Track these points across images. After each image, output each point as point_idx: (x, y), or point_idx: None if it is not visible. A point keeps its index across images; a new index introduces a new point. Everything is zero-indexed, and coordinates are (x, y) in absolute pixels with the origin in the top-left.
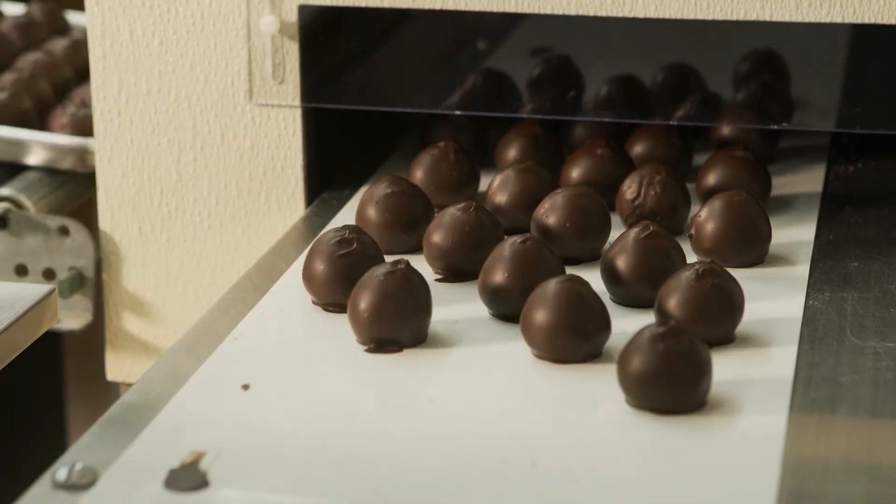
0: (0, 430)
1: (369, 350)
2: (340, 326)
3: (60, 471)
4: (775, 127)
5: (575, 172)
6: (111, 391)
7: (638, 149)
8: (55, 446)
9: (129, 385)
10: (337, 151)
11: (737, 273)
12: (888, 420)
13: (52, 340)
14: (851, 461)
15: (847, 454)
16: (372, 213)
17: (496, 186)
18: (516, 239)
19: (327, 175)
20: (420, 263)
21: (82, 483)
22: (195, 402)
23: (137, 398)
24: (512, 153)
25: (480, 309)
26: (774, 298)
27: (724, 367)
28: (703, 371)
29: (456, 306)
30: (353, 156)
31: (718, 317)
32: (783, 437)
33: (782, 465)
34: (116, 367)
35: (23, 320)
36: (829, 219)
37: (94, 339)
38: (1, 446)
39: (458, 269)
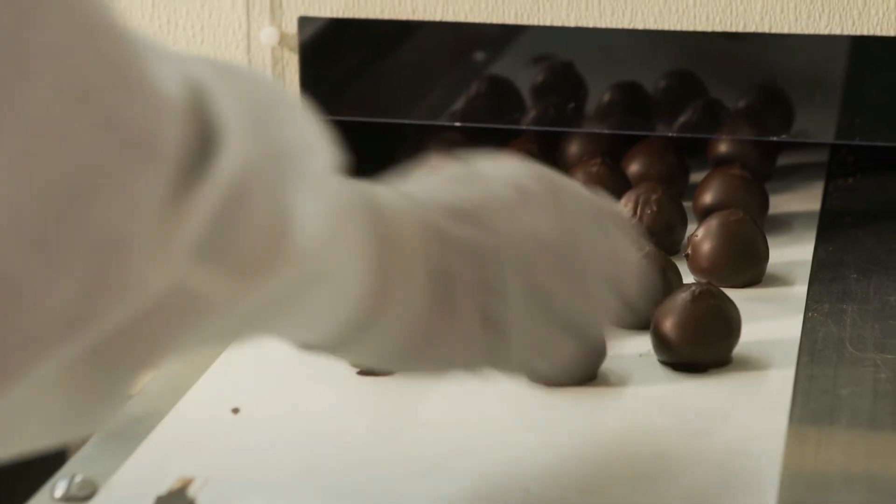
0: None
1: (361, 372)
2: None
3: (60, 483)
4: (774, 139)
5: None
6: None
7: (634, 166)
8: (54, 458)
9: (129, 396)
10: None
11: (734, 293)
12: (887, 432)
13: None
14: (851, 473)
15: (846, 466)
16: None
17: None
18: None
19: None
20: None
21: (81, 495)
22: (184, 425)
23: (137, 410)
24: None
25: None
26: (772, 319)
27: (721, 389)
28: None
29: None
30: (353, 168)
31: (715, 339)
32: (782, 449)
33: (781, 477)
34: None
35: None
36: (828, 231)
37: None
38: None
39: None
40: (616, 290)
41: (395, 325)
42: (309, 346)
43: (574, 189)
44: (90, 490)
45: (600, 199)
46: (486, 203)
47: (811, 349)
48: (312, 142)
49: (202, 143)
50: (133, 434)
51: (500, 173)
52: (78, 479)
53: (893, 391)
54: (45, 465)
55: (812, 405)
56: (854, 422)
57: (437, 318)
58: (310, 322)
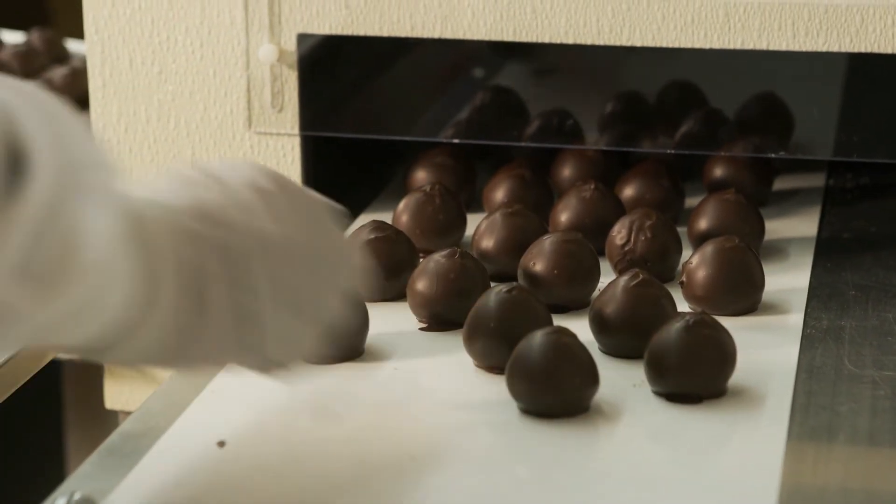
0: None
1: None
2: (319, 379)
3: (59, 500)
4: (773, 156)
5: (564, 216)
6: (110, 419)
7: (628, 191)
8: (54, 474)
9: (128, 413)
10: (335, 179)
11: (729, 322)
12: (886, 448)
13: (52, 368)
14: (849, 489)
15: (845, 482)
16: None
17: (483, 231)
18: (502, 288)
19: None
20: (404, 312)
21: None
22: (169, 459)
23: (136, 427)
24: (499, 195)
25: (465, 360)
26: (768, 349)
27: (716, 420)
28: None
29: (440, 357)
30: (352, 184)
31: (709, 369)
32: (780, 465)
33: (780, 492)
34: (115, 395)
35: (27, 351)
36: (826, 248)
37: (93, 367)
38: (0, 475)
39: (442, 318)
40: (340, 279)
41: (158, 326)
42: (74, 349)
43: (297, 187)
44: None
45: (314, 195)
46: (228, 204)
47: (809, 366)
48: (98, 156)
49: (12, 162)
50: (132, 451)
51: (235, 175)
52: (77, 496)
53: (891, 408)
54: (45, 482)
55: (810, 422)
56: (852, 438)
57: (194, 316)
58: (82, 327)
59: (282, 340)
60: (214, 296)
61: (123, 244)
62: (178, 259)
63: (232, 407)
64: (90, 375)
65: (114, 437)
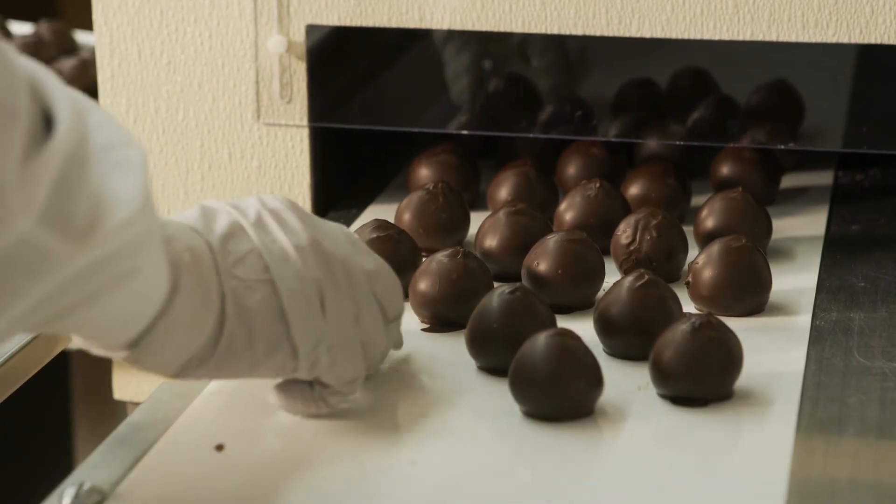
0: (7, 449)
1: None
2: None
3: (68, 490)
4: (781, 147)
5: (568, 215)
6: (118, 410)
7: (634, 189)
8: (62, 465)
9: (137, 404)
10: (344, 171)
11: (736, 323)
12: (895, 440)
13: (60, 359)
14: (858, 481)
15: (854, 474)
16: None
17: (486, 229)
18: (505, 288)
19: (334, 194)
20: (406, 312)
21: (90, 503)
22: (165, 463)
23: (145, 417)
24: (503, 193)
25: (467, 361)
26: (775, 351)
27: (722, 423)
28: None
29: (442, 358)
30: (361, 175)
31: (715, 372)
32: (790, 457)
33: (789, 485)
34: (124, 385)
35: (36, 342)
36: (835, 238)
37: (101, 357)
38: (8, 465)
39: (444, 319)
40: (379, 302)
41: (184, 327)
42: (116, 348)
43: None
44: (98, 497)
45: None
46: (259, 223)
47: (818, 358)
48: (124, 138)
49: (41, 118)
50: (141, 442)
51: (257, 203)
52: (86, 486)
53: None
54: (53, 472)
55: (819, 414)
56: (862, 430)
57: (234, 331)
58: (122, 313)
59: (322, 363)
60: (256, 315)
61: (152, 219)
62: (200, 271)
63: (231, 409)
64: (98, 366)
65: (122, 428)
